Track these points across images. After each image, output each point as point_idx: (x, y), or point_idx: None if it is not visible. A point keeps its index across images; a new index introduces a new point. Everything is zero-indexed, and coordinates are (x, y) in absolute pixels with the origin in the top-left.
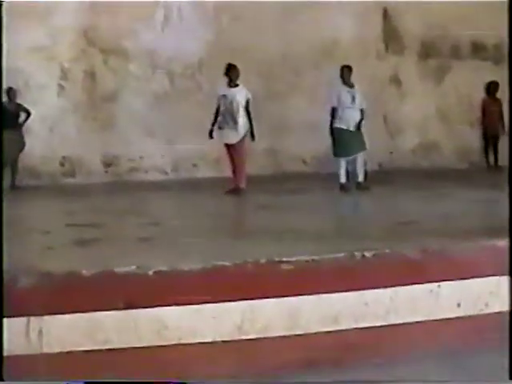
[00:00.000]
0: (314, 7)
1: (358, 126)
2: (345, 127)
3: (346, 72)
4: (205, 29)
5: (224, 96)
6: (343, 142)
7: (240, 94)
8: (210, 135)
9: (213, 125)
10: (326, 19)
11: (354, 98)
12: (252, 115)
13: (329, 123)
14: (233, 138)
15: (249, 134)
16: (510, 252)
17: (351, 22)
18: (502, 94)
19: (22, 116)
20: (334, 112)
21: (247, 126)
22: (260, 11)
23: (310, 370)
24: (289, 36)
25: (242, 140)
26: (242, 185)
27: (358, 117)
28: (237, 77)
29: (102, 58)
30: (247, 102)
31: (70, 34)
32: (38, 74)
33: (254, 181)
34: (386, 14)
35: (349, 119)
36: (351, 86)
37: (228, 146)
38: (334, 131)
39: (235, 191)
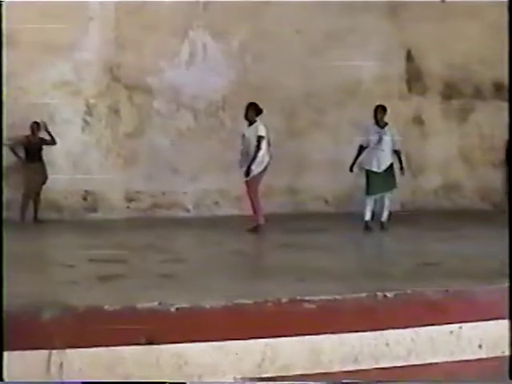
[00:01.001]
0: (338, 46)
1: (389, 166)
2: (371, 168)
3: (378, 111)
4: (229, 67)
5: (243, 135)
6: (371, 181)
7: (253, 132)
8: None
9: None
10: (350, 59)
11: (380, 139)
12: (262, 152)
13: (352, 160)
14: (246, 178)
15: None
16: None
17: (375, 62)
18: None
19: (44, 150)
20: (361, 150)
21: (261, 162)
22: (284, 50)
23: None
24: (312, 75)
25: (255, 177)
26: (261, 221)
27: (386, 157)
28: (252, 115)
29: (126, 94)
30: (258, 140)
31: (95, 70)
32: (63, 109)
33: (275, 219)
34: (409, 54)
35: (374, 160)
36: (382, 126)
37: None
38: (365, 172)
39: (255, 229)
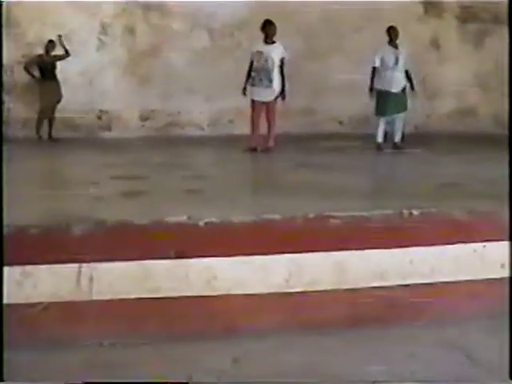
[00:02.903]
0: None
1: (402, 88)
2: (387, 89)
3: (391, 32)
4: None
5: (259, 52)
6: (384, 102)
7: (276, 52)
8: (244, 92)
9: (246, 81)
10: None
11: (397, 60)
12: (287, 74)
13: (369, 83)
14: (267, 96)
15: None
16: None
17: None
18: None
19: (60, 68)
20: (375, 72)
21: (280, 84)
22: None
23: (354, 326)
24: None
25: (276, 99)
26: (272, 143)
27: (401, 78)
28: (273, 34)
29: (142, 14)
30: (282, 61)
31: None
32: (79, 28)
33: (291, 139)
34: None
35: (391, 80)
36: (396, 46)
37: (259, 104)
38: (376, 92)
39: (267, 150)
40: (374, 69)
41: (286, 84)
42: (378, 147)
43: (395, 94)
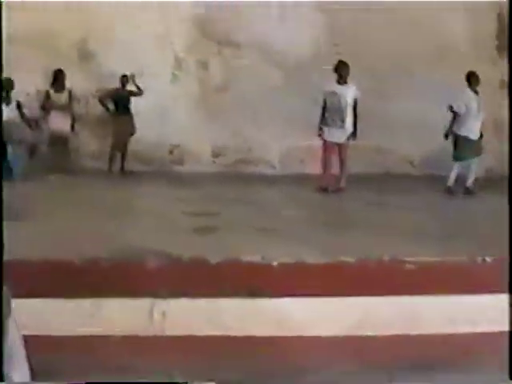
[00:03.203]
0: (429, 8)
1: (480, 134)
2: (467, 135)
3: (472, 78)
4: (319, 24)
5: (333, 93)
6: (464, 148)
7: (349, 92)
8: (319, 133)
9: (320, 122)
10: (440, 21)
11: (479, 107)
12: (358, 113)
13: (448, 127)
14: (340, 137)
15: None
16: None
17: (465, 25)
18: None
19: (133, 102)
20: (457, 118)
21: (353, 124)
22: (374, 12)
23: (423, 370)
24: (401, 36)
25: (349, 139)
26: (344, 184)
27: (480, 124)
28: (347, 74)
29: (215, 49)
30: (355, 101)
31: (185, 25)
32: (153, 62)
33: (362, 179)
34: (500, 16)
35: (472, 128)
36: (477, 92)
37: (331, 144)
38: (454, 136)
39: (338, 190)
40: (455, 114)
41: (357, 124)
42: (449, 190)
43: (474, 141)
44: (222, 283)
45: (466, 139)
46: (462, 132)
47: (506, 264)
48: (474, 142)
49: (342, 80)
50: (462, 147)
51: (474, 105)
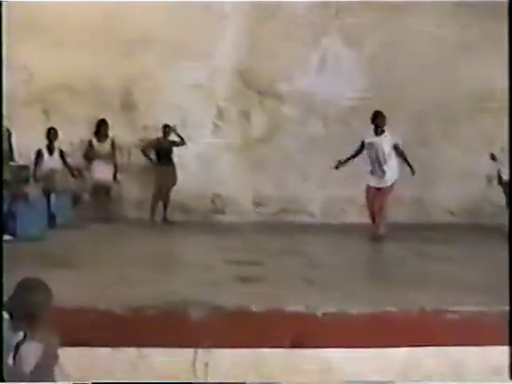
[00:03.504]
0: (470, 55)
1: None
2: None
3: None
4: (360, 75)
5: (370, 144)
6: None
7: (386, 143)
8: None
9: (347, 159)
10: (481, 69)
11: None
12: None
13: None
14: (380, 184)
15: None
16: None
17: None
18: None
19: (175, 152)
20: None
21: (397, 171)
22: (415, 61)
23: None
24: (444, 85)
25: (389, 187)
26: (383, 231)
27: None
28: (383, 124)
29: (257, 99)
30: (396, 146)
31: (227, 75)
32: (195, 112)
33: (402, 228)
34: None
35: None
36: None
37: (372, 189)
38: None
39: (380, 238)
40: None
41: (409, 161)
42: None
43: None
44: (265, 333)
45: None
46: None
47: None
48: None
49: (378, 130)
50: None
51: None
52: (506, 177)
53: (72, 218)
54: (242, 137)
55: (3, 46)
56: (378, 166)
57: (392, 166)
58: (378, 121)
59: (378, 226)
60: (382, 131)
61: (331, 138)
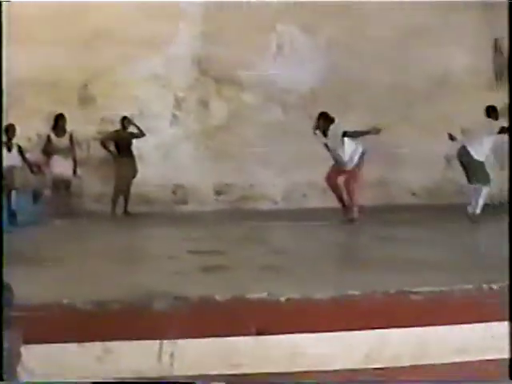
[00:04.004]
0: (426, 39)
1: None
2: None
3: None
4: (317, 60)
5: (325, 145)
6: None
7: (335, 139)
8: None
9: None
10: (438, 52)
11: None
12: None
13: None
14: (343, 168)
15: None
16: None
17: (463, 54)
18: None
19: (135, 143)
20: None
21: (356, 152)
22: (372, 46)
23: None
24: (400, 68)
25: (352, 168)
26: (356, 214)
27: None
28: (325, 125)
29: (215, 88)
30: (345, 134)
31: (184, 64)
32: (153, 102)
33: (366, 211)
34: (496, 44)
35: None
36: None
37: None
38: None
39: (351, 221)
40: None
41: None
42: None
43: None
44: (230, 322)
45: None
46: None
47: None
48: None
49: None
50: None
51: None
52: (476, 155)
53: (33, 214)
54: (202, 126)
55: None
56: (335, 154)
57: (348, 151)
58: (320, 123)
59: (350, 208)
60: (331, 123)
61: (291, 125)
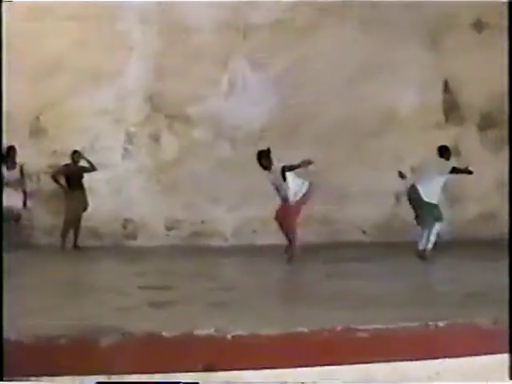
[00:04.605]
0: (376, 77)
1: None
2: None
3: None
4: (267, 97)
5: (272, 183)
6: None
7: (275, 172)
8: None
9: None
10: (387, 89)
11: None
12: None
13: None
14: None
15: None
16: None
17: (412, 93)
18: None
19: (86, 177)
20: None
21: (296, 187)
22: (321, 80)
23: None
24: (349, 105)
25: (292, 204)
26: (297, 251)
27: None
28: (268, 162)
29: (166, 123)
30: (284, 169)
31: (136, 99)
32: (105, 136)
33: (314, 249)
34: (446, 85)
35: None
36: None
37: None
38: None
39: (291, 258)
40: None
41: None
42: (423, 255)
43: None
44: (177, 358)
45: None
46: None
47: (459, 327)
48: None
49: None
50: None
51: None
52: (425, 196)
53: None
54: (153, 161)
55: None
56: (277, 190)
57: (293, 187)
58: (262, 161)
59: (293, 245)
60: (269, 165)
61: (240, 161)
